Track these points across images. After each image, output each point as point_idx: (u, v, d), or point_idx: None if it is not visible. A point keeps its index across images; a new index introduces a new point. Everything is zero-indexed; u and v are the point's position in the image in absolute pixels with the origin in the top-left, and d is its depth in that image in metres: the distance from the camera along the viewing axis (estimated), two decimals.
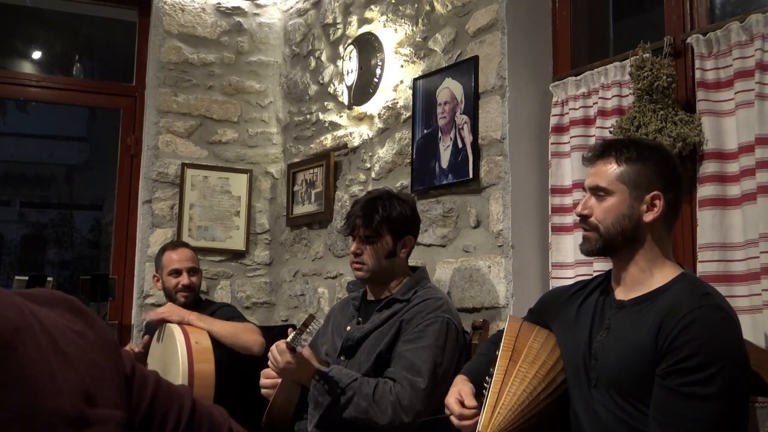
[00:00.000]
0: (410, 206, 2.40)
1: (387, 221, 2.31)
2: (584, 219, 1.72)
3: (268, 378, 2.25)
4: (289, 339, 2.06)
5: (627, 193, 1.66)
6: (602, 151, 1.73)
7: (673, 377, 1.48)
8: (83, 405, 0.74)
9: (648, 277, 1.66)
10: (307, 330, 2.02)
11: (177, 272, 2.99)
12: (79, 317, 0.81)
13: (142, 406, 0.85)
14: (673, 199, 1.68)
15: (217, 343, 2.73)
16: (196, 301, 3.04)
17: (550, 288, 2.49)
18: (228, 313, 3.00)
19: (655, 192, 1.65)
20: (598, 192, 1.70)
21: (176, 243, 3.22)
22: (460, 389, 1.82)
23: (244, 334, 2.83)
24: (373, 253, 2.31)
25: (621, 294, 1.70)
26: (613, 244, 1.68)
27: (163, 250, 3.11)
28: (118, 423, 0.77)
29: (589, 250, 1.73)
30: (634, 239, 1.66)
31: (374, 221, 2.30)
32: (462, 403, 1.77)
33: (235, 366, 2.78)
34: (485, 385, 1.73)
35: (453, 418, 1.77)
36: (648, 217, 1.65)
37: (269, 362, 2.18)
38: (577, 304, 1.80)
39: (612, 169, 1.68)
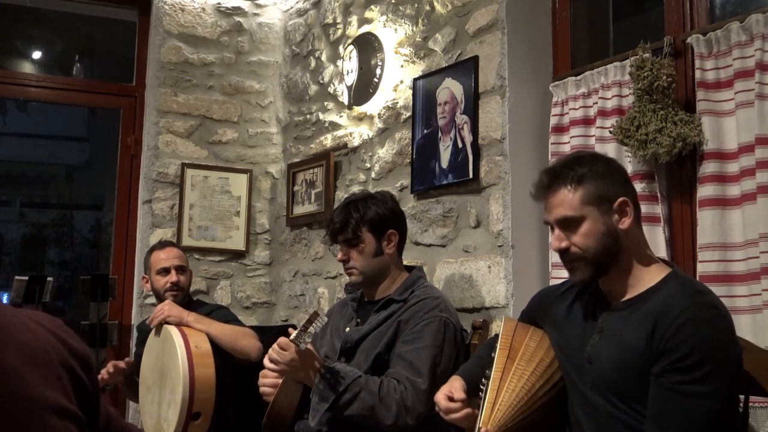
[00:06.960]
0: (387, 204, 2.40)
1: (363, 221, 2.33)
2: (565, 252, 1.69)
3: (267, 378, 2.23)
4: (292, 337, 2.04)
5: (596, 211, 1.64)
6: (549, 182, 1.69)
7: (669, 376, 1.48)
8: (65, 400, 0.77)
9: (636, 279, 1.65)
10: (311, 328, 2.00)
11: (165, 271, 2.93)
12: (61, 331, 0.86)
13: None
14: (633, 196, 1.68)
15: (212, 347, 2.66)
16: (189, 301, 2.98)
17: None
18: (224, 315, 2.95)
19: (621, 199, 1.64)
20: (567, 223, 1.66)
21: (164, 243, 3.13)
22: (451, 386, 1.83)
23: (242, 339, 2.76)
24: (359, 256, 2.33)
25: (612, 296, 1.70)
26: (604, 266, 1.66)
27: (151, 250, 3.06)
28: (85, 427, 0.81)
29: (583, 279, 1.69)
30: (618, 251, 1.65)
31: (350, 224, 2.33)
32: (450, 398, 1.78)
33: (231, 368, 2.74)
34: (482, 387, 1.74)
35: (441, 413, 1.79)
36: (624, 224, 1.64)
37: (267, 362, 2.14)
38: (566, 304, 1.80)
39: (570, 196, 1.65)
